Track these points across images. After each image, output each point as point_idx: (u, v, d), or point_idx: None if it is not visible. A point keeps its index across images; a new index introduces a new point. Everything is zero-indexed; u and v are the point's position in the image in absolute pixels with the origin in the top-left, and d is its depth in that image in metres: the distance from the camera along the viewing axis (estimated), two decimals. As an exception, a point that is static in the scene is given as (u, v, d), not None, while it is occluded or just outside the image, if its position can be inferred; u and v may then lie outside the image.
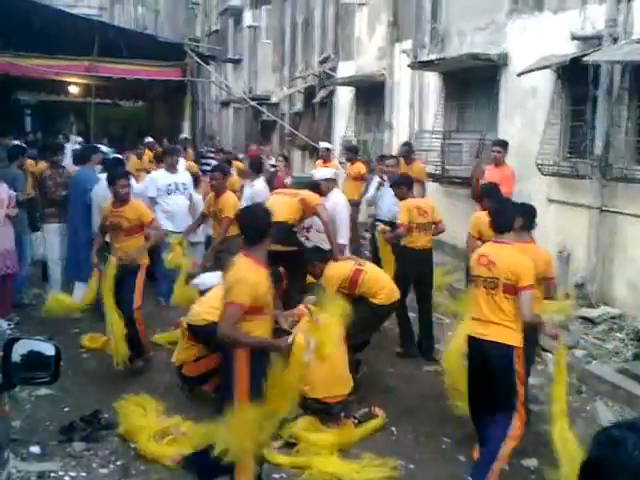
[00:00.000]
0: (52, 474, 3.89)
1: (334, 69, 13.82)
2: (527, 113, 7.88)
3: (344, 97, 13.52)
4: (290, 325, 4.67)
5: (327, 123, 14.47)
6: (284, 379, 3.42)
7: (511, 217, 4.00)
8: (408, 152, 8.35)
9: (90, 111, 16.17)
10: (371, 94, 12.19)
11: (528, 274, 3.75)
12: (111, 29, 15.37)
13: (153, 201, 7.13)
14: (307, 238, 5.95)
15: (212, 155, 12.44)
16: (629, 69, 6.41)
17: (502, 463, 3.74)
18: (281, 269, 5.03)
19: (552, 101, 7.37)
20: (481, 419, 3.98)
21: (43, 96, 21.11)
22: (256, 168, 7.67)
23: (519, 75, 7.56)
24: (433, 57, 9.50)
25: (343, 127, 13.42)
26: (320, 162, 9.82)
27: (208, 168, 10.38)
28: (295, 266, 5.33)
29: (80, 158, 7.65)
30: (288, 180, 9.15)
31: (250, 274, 3.32)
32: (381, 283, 5.12)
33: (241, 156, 12.22)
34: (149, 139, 12.24)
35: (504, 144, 7.23)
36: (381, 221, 6.77)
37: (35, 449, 4.14)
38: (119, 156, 8.71)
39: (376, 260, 6.29)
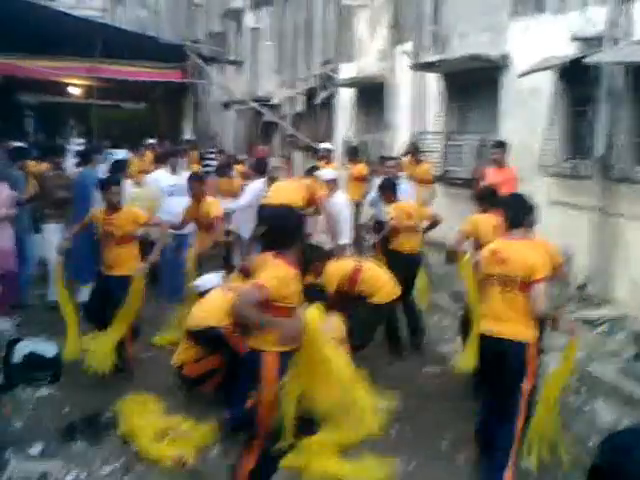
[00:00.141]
0: (53, 474, 3.90)
1: (335, 71, 13.83)
2: (528, 114, 7.88)
3: (345, 98, 13.53)
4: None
5: (328, 124, 14.48)
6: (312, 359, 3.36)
7: (522, 212, 3.94)
8: (413, 151, 8.38)
9: (92, 113, 16.20)
10: (372, 95, 12.20)
11: (541, 267, 3.70)
12: (113, 31, 15.39)
13: (156, 202, 7.15)
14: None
15: (213, 156, 12.45)
16: (630, 70, 6.41)
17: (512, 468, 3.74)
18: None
19: (553, 102, 7.37)
20: (488, 421, 3.96)
21: (45, 97, 21.15)
22: (260, 169, 7.68)
23: (520, 76, 7.57)
24: (434, 58, 9.51)
25: (344, 128, 13.43)
26: (321, 163, 9.83)
27: (211, 169, 10.41)
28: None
29: (82, 159, 7.68)
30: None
31: (281, 271, 3.31)
32: (380, 281, 5.15)
33: (242, 157, 12.24)
34: (151, 140, 12.27)
35: (503, 145, 7.25)
36: (379, 223, 6.82)
37: (36, 449, 4.14)
38: (124, 156, 8.73)
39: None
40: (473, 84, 9.28)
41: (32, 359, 2.06)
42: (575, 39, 6.93)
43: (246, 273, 4.88)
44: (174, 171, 7.57)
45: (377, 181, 7.70)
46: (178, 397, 4.88)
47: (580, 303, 6.74)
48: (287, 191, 5.68)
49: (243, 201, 7.17)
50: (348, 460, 4.04)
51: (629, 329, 6.10)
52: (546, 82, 7.46)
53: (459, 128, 9.66)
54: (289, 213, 3.69)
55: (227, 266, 6.57)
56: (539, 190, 7.42)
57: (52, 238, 7.04)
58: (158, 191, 7.31)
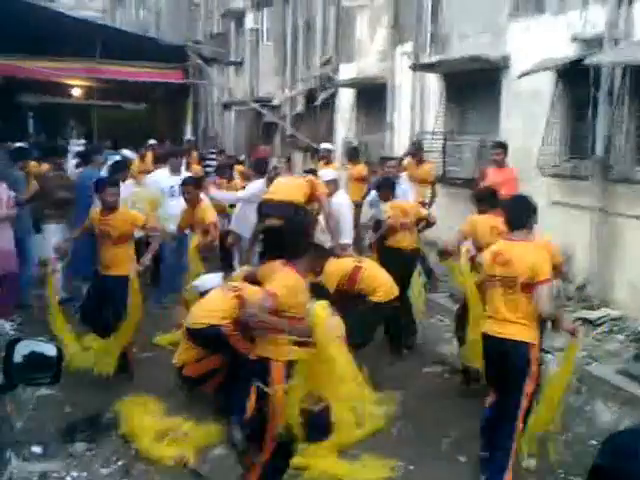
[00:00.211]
0: (54, 474, 3.91)
1: (335, 71, 13.84)
2: (528, 115, 7.88)
3: (345, 99, 13.54)
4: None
5: (328, 125, 14.48)
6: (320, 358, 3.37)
7: (525, 214, 3.93)
8: (415, 151, 8.40)
9: (93, 113, 16.23)
10: (372, 96, 12.20)
11: (545, 268, 3.70)
12: (113, 31, 15.44)
13: (157, 202, 7.15)
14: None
15: (214, 156, 12.46)
16: (630, 71, 6.41)
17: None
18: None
19: (553, 103, 7.38)
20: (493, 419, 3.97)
21: (46, 98, 21.17)
22: (260, 169, 7.68)
23: (520, 77, 7.57)
24: (434, 59, 9.52)
25: (344, 129, 13.44)
26: (321, 163, 9.85)
27: (211, 170, 10.42)
28: None
29: (83, 160, 7.70)
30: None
31: (291, 280, 3.33)
32: (379, 280, 5.16)
33: (242, 158, 12.25)
34: (152, 141, 12.28)
35: (503, 146, 7.25)
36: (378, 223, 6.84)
37: (37, 449, 4.16)
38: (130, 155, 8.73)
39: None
40: (473, 85, 9.29)
41: (33, 359, 2.06)
42: (575, 40, 6.94)
43: (252, 281, 4.89)
44: (174, 172, 7.57)
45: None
46: (179, 397, 4.89)
47: (580, 303, 6.74)
48: (289, 187, 5.67)
49: (241, 195, 7.22)
50: (348, 460, 4.04)
51: (629, 330, 6.10)
52: (546, 83, 7.47)
53: (459, 129, 9.67)
54: (301, 224, 3.69)
55: (226, 266, 6.58)
56: (539, 190, 7.41)
57: (53, 238, 7.05)
58: (158, 192, 7.30)
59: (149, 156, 10.90)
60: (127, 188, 7.06)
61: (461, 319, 5.18)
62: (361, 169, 9.63)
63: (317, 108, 14.95)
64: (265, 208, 5.60)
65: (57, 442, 4.26)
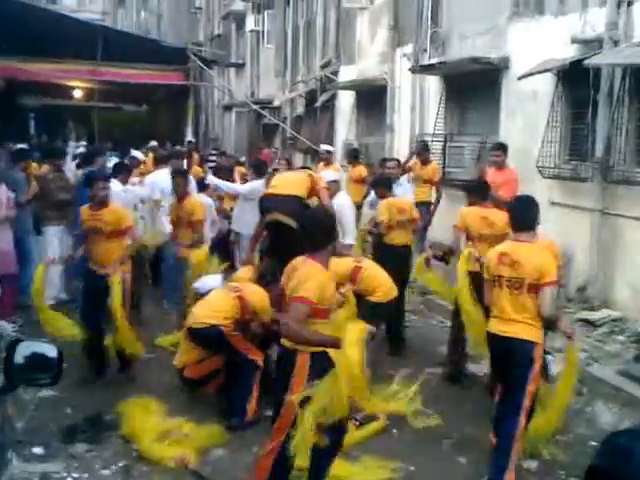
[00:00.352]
0: (54, 475, 3.92)
1: (335, 73, 13.87)
2: (528, 116, 7.90)
3: (345, 101, 13.56)
4: None
5: (328, 127, 14.51)
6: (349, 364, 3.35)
7: (530, 215, 3.91)
8: (421, 151, 8.42)
9: (94, 115, 16.25)
10: (372, 98, 12.22)
11: (552, 270, 3.72)
12: (114, 33, 15.47)
13: (158, 203, 7.16)
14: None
15: (214, 158, 12.48)
16: (629, 72, 6.42)
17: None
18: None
19: (553, 104, 7.39)
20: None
21: (47, 100, 21.23)
22: (259, 170, 7.69)
23: (520, 78, 7.58)
24: (434, 61, 9.54)
25: (344, 131, 13.46)
26: (322, 165, 9.86)
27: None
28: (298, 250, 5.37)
29: (83, 161, 7.71)
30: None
31: (319, 274, 3.28)
32: (379, 280, 5.17)
33: (243, 159, 12.27)
34: (153, 143, 12.30)
35: (503, 147, 7.25)
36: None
37: (38, 450, 4.16)
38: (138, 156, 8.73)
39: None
40: (473, 86, 9.30)
41: (33, 360, 2.06)
42: (575, 41, 6.94)
43: (263, 280, 4.86)
44: (175, 172, 7.56)
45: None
46: (180, 398, 4.89)
47: (580, 304, 6.75)
48: (291, 181, 5.65)
49: (240, 189, 7.24)
50: (349, 461, 4.04)
51: (629, 331, 6.10)
52: (546, 84, 7.48)
53: (459, 130, 9.68)
54: (321, 215, 3.66)
55: (227, 266, 6.56)
56: (539, 192, 7.40)
57: (51, 240, 7.07)
58: (158, 192, 7.31)
59: (150, 157, 10.92)
60: (129, 189, 7.09)
61: (456, 315, 5.20)
62: (361, 171, 9.65)
63: (317, 110, 14.98)
64: (267, 202, 5.56)
65: (58, 443, 4.26)
